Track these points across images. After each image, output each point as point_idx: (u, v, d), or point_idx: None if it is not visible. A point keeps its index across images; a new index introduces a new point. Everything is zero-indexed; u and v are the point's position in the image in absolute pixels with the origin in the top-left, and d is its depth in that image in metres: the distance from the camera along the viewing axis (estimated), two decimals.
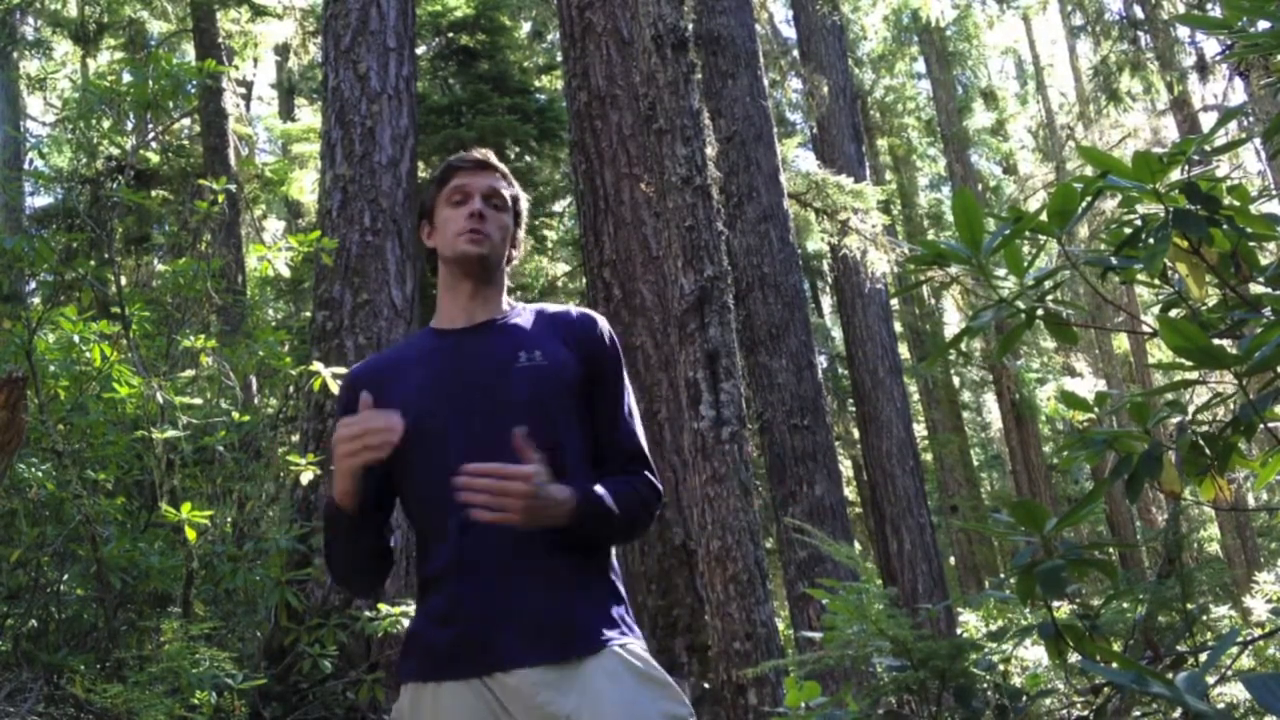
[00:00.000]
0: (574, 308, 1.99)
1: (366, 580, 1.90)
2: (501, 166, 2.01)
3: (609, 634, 1.72)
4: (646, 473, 1.87)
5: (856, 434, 13.92)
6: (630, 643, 1.74)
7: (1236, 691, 2.89)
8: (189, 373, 5.49)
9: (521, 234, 2.04)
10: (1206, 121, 14.66)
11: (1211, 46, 12.88)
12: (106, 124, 5.87)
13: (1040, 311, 1.96)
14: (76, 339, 4.56)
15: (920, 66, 20.06)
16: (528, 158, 11.49)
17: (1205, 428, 2.07)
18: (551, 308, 1.98)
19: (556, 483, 1.68)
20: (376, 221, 6.32)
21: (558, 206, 13.41)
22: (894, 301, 14.88)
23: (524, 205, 2.04)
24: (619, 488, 1.79)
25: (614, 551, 1.87)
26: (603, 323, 1.95)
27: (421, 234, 2.01)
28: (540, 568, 1.73)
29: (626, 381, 1.95)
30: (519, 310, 1.97)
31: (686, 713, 1.71)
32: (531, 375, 1.81)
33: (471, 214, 1.90)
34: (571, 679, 1.66)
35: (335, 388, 4.79)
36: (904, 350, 17.45)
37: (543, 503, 1.65)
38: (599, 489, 1.75)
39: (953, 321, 19.72)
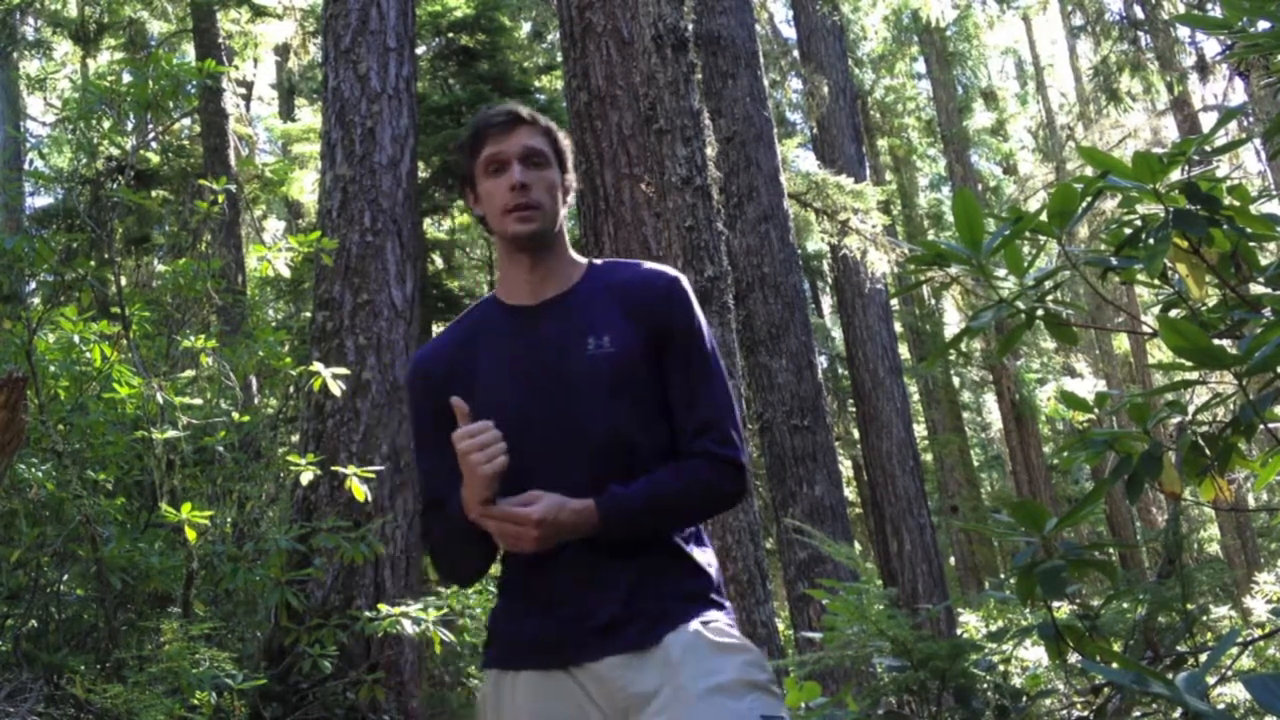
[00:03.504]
0: (643, 267, 1.88)
1: (480, 571, 1.88)
2: (532, 115, 1.85)
3: (689, 610, 1.72)
4: (711, 444, 1.77)
5: (856, 434, 13.92)
6: (711, 616, 1.73)
7: (1236, 691, 2.89)
8: (189, 373, 5.49)
9: (570, 177, 1.88)
10: (1206, 121, 14.67)
11: (1211, 46, 12.89)
12: (106, 124, 5.86)
13: (1040, 311, 1.96)
14: (76, 339, 4.56)
15: (920, 67, 20.07)
16: None
17: (1205, 428, 2.07)
18: (620, 273, 1.87)
19: (574, 500, 1.68)
20: (376, 221, 6.32)
21: None
22: (894, 301, 14.87)
23: (564, 142, 1.89)
24: (660, 479, 1.75)
25: (699, 527, 1.85)
26: (670, 284, 1.83)
27: (466, 201, 1.90)
28: (619, 557, 1.73)
29: (704, 340, 1.83)
30: (587, 276, 1.87)
31: (766, 679, 1.68)
32: (601, 364, 1.76)
33: (513, 186, 1.79)
34: (653, 657, 1.67)
35: (335, 388, 4.78)
36: (904, 350, 17.44)
37: (553, 530, 1.66)
38: (625, 490, 1.71)
39: (953, 321, 19.72)
